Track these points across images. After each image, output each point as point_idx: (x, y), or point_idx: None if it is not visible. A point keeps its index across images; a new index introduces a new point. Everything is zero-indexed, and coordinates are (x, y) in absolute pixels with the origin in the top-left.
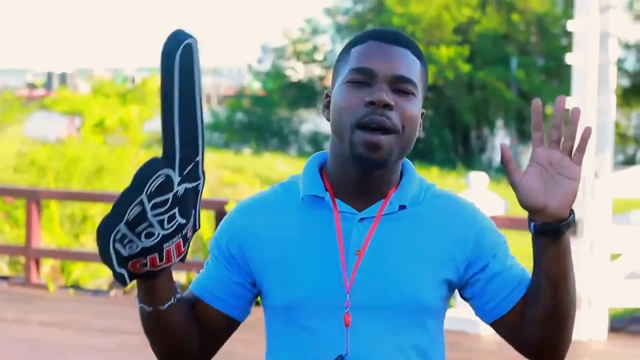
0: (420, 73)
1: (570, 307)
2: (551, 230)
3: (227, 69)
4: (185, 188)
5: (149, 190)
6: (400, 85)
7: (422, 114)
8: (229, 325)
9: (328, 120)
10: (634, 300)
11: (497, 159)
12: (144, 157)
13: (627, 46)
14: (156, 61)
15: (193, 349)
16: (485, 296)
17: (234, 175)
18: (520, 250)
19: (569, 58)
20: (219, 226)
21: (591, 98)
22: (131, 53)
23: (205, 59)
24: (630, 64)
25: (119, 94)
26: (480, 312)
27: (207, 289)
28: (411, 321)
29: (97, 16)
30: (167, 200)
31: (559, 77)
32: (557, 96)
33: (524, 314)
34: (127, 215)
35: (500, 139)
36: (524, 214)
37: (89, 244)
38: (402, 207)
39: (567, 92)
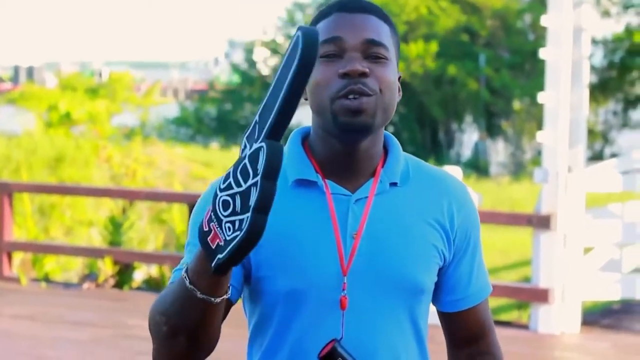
0: (390, 36)
1: None
2: None
3: (194, 63)
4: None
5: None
6: (372, 51)
7: (399, 77)
8: (227, 309)
9: (306, 100)
10: (606, 294)
11: (465, 153)
12: (111, 150)
13: (594, 42)
14: (123, 55)
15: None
16: (443, 287)
17: (204, 169)
18: (492, 244)
19: (542, 53)
20: (199, 213)
21: (564, 93)
22: (98, 47)
23: (172, 54)
24: (597, 60)
25: (88, 89)
26: (435, 301)
27: None
28: (405, 301)
29: (63, 9)
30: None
31: (525, 72)
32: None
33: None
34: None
35: (469, 133)
36: (498, 207)
37: (59, 237)
38: (392, 185)
39: (537, 88)
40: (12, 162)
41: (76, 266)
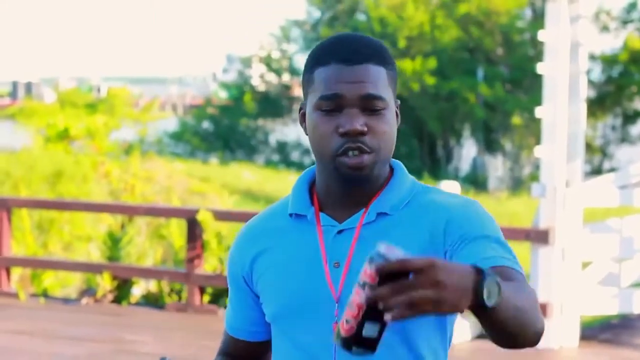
0: (387, 79)
1: (523, 322)
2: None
3: (192, 78)
4: None
5: None
6: (369, 104)
7: (398, 104)
8: (265, 346)
9: (306, 133)
10: (605, 308)
11: (464, 168)
12: (110, 165)
13: (592, 57)
14: (121, 71)
15: None
16: None
17: (202, 185)
18: None
19: (540, 68)
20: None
21: (562, 108)
22: (96, 62)
23: (171, 69)
24: (595, 75)
25: (87, 104)
26: None
27: (234, 326)
28: (393, 326)
29: (61, 25)
30: None
31: (524, 88)
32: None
33: None
34: None
35: (467, 148)
36: (496, 222)
37: (58, 252)
38: (382, 215)
39: (534, 103)
40: (11, 178)
41: (75, 281)
